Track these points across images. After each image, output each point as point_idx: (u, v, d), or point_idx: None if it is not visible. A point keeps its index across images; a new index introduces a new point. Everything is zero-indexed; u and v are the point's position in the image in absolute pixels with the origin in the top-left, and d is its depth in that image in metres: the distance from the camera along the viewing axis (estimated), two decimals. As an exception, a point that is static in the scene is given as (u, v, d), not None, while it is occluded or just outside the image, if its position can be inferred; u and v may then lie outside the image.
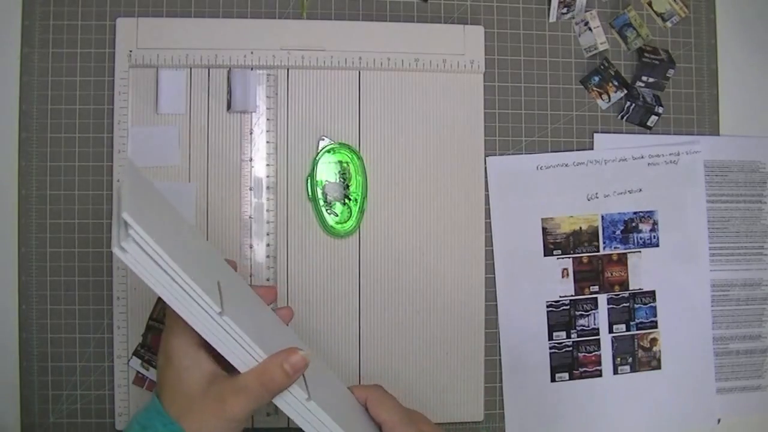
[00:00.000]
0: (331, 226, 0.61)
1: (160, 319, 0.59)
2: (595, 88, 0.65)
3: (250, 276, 0.60)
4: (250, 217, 0.60)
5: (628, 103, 0.64)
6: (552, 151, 0.64)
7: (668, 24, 0.66)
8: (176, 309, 0.39)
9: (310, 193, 0.61)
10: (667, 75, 0.64)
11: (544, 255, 0.64)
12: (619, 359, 0.64)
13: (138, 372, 0.59)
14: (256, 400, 0.42)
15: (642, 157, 0.65)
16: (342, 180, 0.61)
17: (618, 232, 0.65)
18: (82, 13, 0.61)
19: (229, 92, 0.60)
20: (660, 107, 0.64)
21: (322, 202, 0.61)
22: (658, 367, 0.65)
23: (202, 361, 0.43)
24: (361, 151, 0.62)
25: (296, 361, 0.42)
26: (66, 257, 0.60)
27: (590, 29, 0.64)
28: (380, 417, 0.48)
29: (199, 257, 0.45)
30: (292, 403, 0.43)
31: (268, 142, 0.61)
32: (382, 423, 0.48)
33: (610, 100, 0.65)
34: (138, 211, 0.37)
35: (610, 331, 0.65)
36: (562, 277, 0.64)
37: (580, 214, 0.64)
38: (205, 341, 0.42)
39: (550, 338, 0.64)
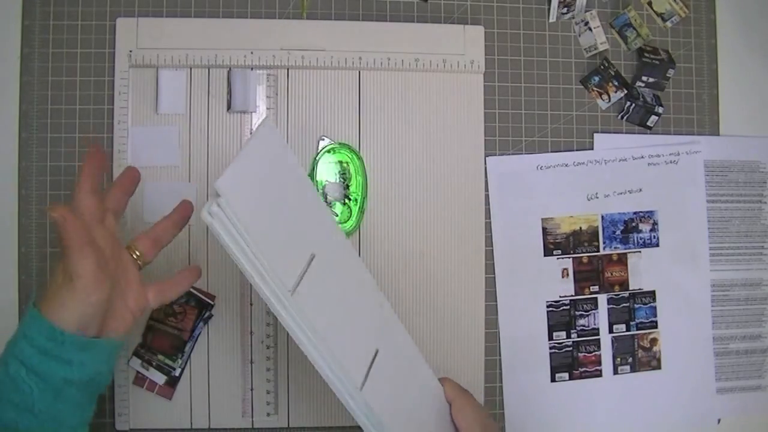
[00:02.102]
0: (331, 226, 0.61)
1: (161, 318, 0.59)
2: (595, 88, 0.65)
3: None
4: (250, 217, 0.60)
5: (628, 103, 0.64)
6: (552, 151, 0.64)
7: (668, 24, 0.66)
8: (249, 279, 0.41)
9: (310, 193, 0.61)
10: (667, 75, 0.64)
11: (544, 255, 0.64)
12: (619, 359, 0.64)
13: (138, 372, 0.59)
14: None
15: (642, 157, 0.65)
16: (342, 180, 0.61)
17: (618, 232, 0.65)
18: (82, 13, 0.61)
19: (229, 92, 0.60)
20: (660, 107, 0.64)
21: (322, 202, 0.61)
22: (658, 367, 0.65)
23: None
24: (361, 151, 0.62)
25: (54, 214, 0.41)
26: (66, 257, 0.60)
27: (590, 29, 0.64)
28: (460, 423, 0.50)
29: (305, 228, 0.45)
30: (346, 383, 0.43)
31: (268, 142, 0.61)
32: (461, 429, 0.50)
33: (610, 100, 0.65)
34: (237, 181, 0.39)
35: (610, 331, 0.64)
36: (562, 277, 0.64)
37: (580, 214, 0.64)
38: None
39: (550, 338, 0.64)
